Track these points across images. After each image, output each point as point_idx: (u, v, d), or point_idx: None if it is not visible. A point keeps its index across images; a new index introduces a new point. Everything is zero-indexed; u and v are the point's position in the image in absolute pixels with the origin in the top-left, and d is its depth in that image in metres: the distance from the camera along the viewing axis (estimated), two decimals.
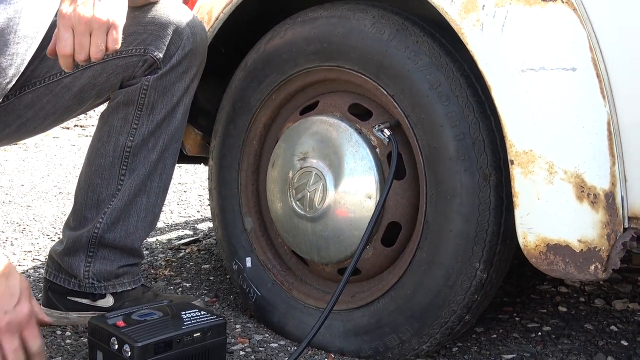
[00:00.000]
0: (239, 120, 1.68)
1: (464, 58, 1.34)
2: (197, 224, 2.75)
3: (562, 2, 1.17)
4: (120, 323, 1.31)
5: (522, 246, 1.20)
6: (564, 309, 1.78)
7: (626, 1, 1.14)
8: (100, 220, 1.50)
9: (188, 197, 3.25)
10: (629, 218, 1.16)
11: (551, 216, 1.16)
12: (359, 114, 1.50)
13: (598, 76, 1.15)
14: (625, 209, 1.16)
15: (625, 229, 1.16)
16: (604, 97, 1.15)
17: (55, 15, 1.34)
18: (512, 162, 1.19)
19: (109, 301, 1.52)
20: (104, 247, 1.51)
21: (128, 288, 1.54)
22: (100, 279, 1.52)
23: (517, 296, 1.87)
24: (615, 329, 1.64)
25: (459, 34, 1.24)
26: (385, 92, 1.40)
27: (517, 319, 1.73)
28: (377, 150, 1.44)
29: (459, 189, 1.30)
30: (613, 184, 1.14)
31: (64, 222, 1.65)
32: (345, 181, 1.45)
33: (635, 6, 1.13)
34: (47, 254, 1.69)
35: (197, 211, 2.97)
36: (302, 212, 1.52)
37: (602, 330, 1.64)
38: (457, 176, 1.30)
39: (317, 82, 1.57)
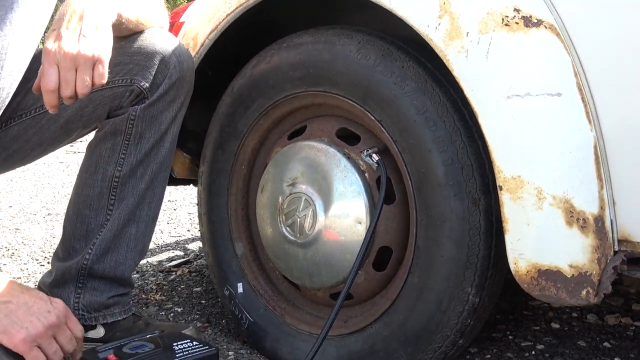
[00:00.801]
0: (227, 146, 1.67)
1: (449, 82, 1.34)
2: (188, 243, 2.74)
3: (545, 27, 1.17)
4: (112, 357, 1.30)
5: (513, 272, 1.20)
6: (557, 326, 1.78)
7: (609, 26, 1.14)
8: (90, 251, 1.49)
9: (178, 215, 3.24)
10: (619, 241, 1.17)
11: (541, 242, 1.16)
12: (347, 139, 1.50)
13: (583, 100, 1.15)
14: (615, 232, 1.16)
15: (615, 252, 1.16)
16: (589, 121, 1.15)
17: (40, 47, 1.34)
18: (501, 188, 1.19)
19: (99, 332, 1.51)
20: (93, 278, 1.50)
21: (119, 318, 1.53)
22: (91, 310, 1.51)
23: (510, 313, 1.87)
24: (609, 345, 1.65)
25: (444, 61, 1.24)
26: (373, 117, 1.40)
27: (510, 337, 1.73)
28: (366, 175, 1.44)
29: (448, 214, 1.30)
30: (602, 208, 1.15)
31: (54, 251, 1.64)
32: (335, 206, 1.45)
33: (618, 31, 1.14)
34: (37, 280, 1.68)
35: (188, 230, 2.96)
36: (293, 238, 1.51)
37: (596, 347, 1.64)
38: (447, 201, 1.30)
39: (305, 107, 1.57)
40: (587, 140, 1.15)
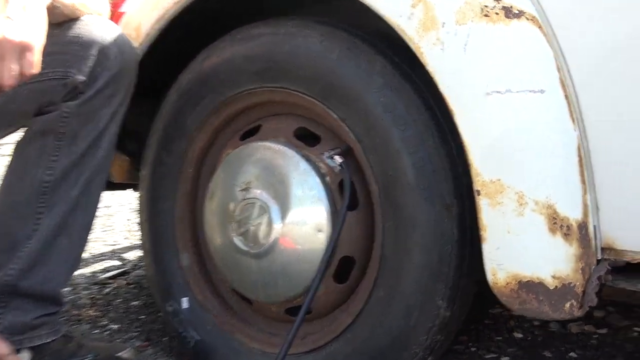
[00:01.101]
0: (174, 146, 1.53)
1: (420, 78, 1.24)
2: (125, 252, 2.55)
3: (527, 19, 1.09)
4: None
5: (490, 283, 1.11)
6: (520, 335, 1.71)
7: (593, 19, 1.07)
8: (14, 266, 1.31)
9: (114, 222, 3.04)
10: (602, 249, 1.09)
11: (522, 251, 1.08)
12: (305, 139, 1.38)
13: (567, 98, 1.07)
14: (599, 239, 1.08)
15: (598, 261, 1.09)
16: (573, 120, 1.07)
17: None
18: (479, 193, 1.10)
19: (24, 357, 1.33)
20: (17, 296, 1.32)
21: (47, 340, 1.36)
22: (14, 332, 1.33)
23: (470, 322, 1.79)
24: (575, 355, 1.58)
25: (417, 54, 1.14)
26: (336, 116, 1.29)
27: (473, 349, 1.64)
28: (327, 178, 1.33)
29: (419, 220, 1.20)
30: (585, 214, 1.07)
31: None
32: (293, 213, 1.33)
33: (602, 23, 1.06)
34: None
35: (125, 237, 2.78)
36: (246, 248, 1.38)
37: (562, 358, 1.57)
38: (417, 206, 1.20)
39: (260, 105, 1.44)
40: (571, 140, 1.07)
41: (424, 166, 1.19)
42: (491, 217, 1.09)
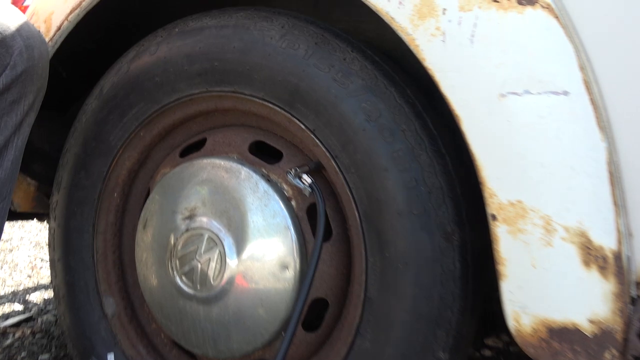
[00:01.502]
0: (94, 166, 1.24)
1: (404, 81, 1.03)
2: (29, 294, 2.19)
3: (542, 7, 0.89)
4: None
5: (513, 331, 0.89)
6: None
7: (618, 7, 0.89)
8: None
9: (15, 258, 2.65)
10: (637, 284, 0.90)
11: (552, 289, 0.87)
12: (262, 156, 1.14)
13: (592, 102, 0.88)
14: (633, 272, 0.89)
15: (633, 299, 0.89)
16: (601, 128, 0.88)
17: None
18: (495, 218, 0.89)
19: None
20: None
21: None
22: None
23: None
24: None
25: (412, 47, 0.92)
26: (303, 126, 1.05)
27: None
28: (293, 202, 1.08)
29: (413, 254, 0.97)
30: (619, 242, 0.87)
31: None
32: (251, 246, 1.08)
33: (630, 13, 0.88)
34: None
35: (28, 276, 2.40)
36: (191, 291, 1.11)
37: None
38: (410, 236, 0.97)
39: (204, 114, 1.19)
40: (599, 154, 0.88)
41: (417, 186, 0.97)
42: (512, 248, 0.88)
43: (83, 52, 1.33)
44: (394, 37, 0.96)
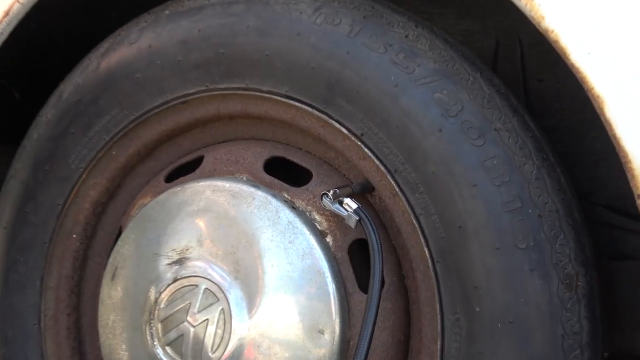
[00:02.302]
0: (46, 197, 0.96)
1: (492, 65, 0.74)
2: None
3: None
4: None
5: None
6: None
7: None
8: None
9: None
10: None
11: None
12: (284, 177, 0.82)
13: None
14: None
15: None
16: None
17: None
18: None
19: None
20: None
21: None
22: None
23: None
24: None
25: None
26: (345, 130, 0.75)
27: None
28: (329, 239, 0.77)
29: (520, 308, 0.65)
30: None
31: None
32: (269, 302, 0.75)
33: None
34: None
35: None
36: None
37: None
38: (515, 281, 0.65)
39: (201, 124, 0.90)
40: None
41: (523, 209, 0.66)
42: None
43: (42, 55, 1.02)
44: None
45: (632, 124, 0.59)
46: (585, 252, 0.68)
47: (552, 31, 0.62)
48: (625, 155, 0.59)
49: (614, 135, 0.59)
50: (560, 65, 0.97)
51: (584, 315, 0.66)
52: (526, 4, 0.63)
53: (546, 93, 0.99)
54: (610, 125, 0.59)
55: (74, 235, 0.94)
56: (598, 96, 0.60)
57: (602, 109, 0.60)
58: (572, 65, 0.61)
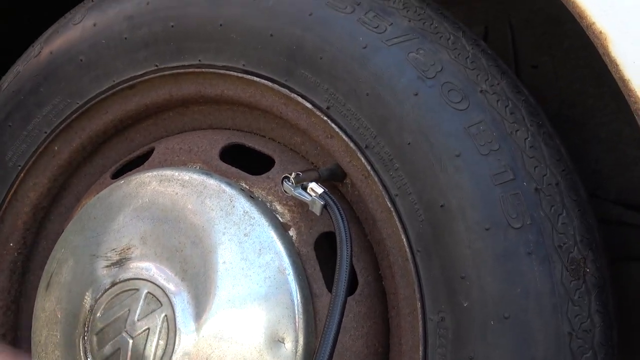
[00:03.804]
0: None
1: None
2: None
3: None
4: None
5: None
6: None
7: None
8: None
9: None
10: None
11: None
12: (242, 165, 0.72)
13: None
14: None
15: None
16: None
17: None
18: None
19: None
20: None
21: None
22: None
23: None
24: None
25: None
26: (309, 105, 0.65)
27: None
28: (293, 232, 0.65)
29: (517, 300, 0.53)
30: None
31: None
32: (221, 306, 0.63)
33: None
34: None
35: None
36: None
37: None
38: (510, 268, 0.54)
39: (152, 112, 0.80)
40: None
41: (516, 181, 0.55)
42: None
43: None
44: None
45: None
46: (594, 234, 0.57)
47: None
48: (637, 100, 0.48)
49: (621, 78, 0.48)
50: (556, 47, 0.87)
51: (596, 309, 0.54)
52: None
53: (542, 80, 0.89)
54: (616, 65, 0.49)
55: (11, 244, 0.83)
56: (600, 32, 0.49)
57: (605, 47, 0.49)
58: None
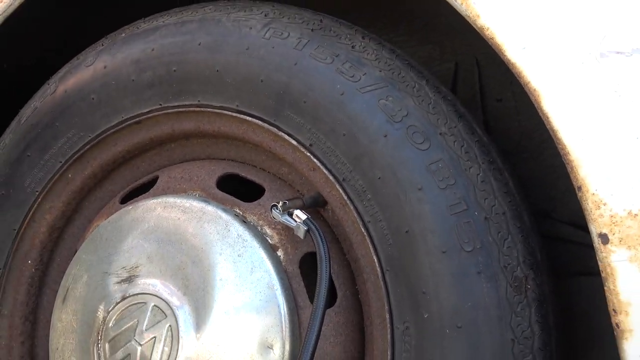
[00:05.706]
0: (0, 222, 0.90)
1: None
2: None
3: None
4: None
5: None
6: None
7: None
8: None
9: None
10: None
11: None
12: (238, 194, 0.82)
13: None
14: None
15: None
16: None
17: None
18: (606, 240, 0.57)
19: None
20: None
21: None
22: None
23: None
24: None
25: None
26: (295, 142, 0.75)
27: None
28: (280, 252, 0.75)
29: (469, 312, 0.63)
30: None
31: None
32: (218, 317, 0.72)
33: None
34: None
35: None
36: None
37: None
38: (463, 285, 0.64)
39: (156, 144, 0.89)
40: None
41: (469, 211, 0.65)
42: (637, 284, 0.55)
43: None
44: None
45: (568, 116, 0.58)
46: (535, 255, 0.67)
47: (488, 28, 0.62)
48: (564, 147, 0.58)
49: (552, 128, 0.59)
50: (517, 83, 0.98)
51: (535, 320, 0.64)
52: (462, 3, 0.63)
53: (505, 113, 0.99)
54: (547, 118, 0.59)
55: (29, 261, 0.92)
56: (534, 90, 0.59)
57: (538, 103, 0.59)
58: (509, 60, 0.61)
